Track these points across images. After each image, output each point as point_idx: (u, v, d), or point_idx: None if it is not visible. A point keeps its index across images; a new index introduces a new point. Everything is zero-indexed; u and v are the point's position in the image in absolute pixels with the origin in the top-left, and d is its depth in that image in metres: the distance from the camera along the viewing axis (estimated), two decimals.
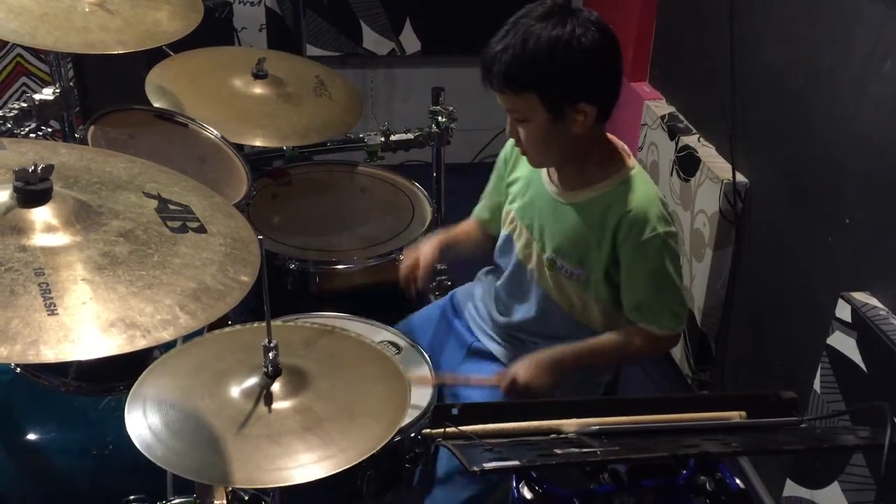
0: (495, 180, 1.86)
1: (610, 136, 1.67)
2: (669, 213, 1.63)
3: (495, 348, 1.81)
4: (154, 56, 2.09)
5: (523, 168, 1.75)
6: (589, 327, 1.71)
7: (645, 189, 1.61)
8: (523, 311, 1.76)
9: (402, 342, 1.76)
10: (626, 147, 1.68)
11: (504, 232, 1.79)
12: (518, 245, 1.75)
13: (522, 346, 1.77)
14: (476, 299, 1.89)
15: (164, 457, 1.18)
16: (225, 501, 1.41)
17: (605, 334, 1.70)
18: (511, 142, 1.77)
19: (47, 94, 1.95)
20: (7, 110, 1.88)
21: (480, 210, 1.91)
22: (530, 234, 1.71)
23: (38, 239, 1.05)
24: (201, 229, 1.19)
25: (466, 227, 1.94)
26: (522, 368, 1.64)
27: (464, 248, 1.92)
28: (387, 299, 1.99)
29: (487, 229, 1.90)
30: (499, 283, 1.81)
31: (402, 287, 1.84)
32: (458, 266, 1.94)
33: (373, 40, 3.62)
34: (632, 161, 1.65)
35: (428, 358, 1.71)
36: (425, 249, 1.83)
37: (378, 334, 1.76)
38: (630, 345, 1.68)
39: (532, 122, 1.55)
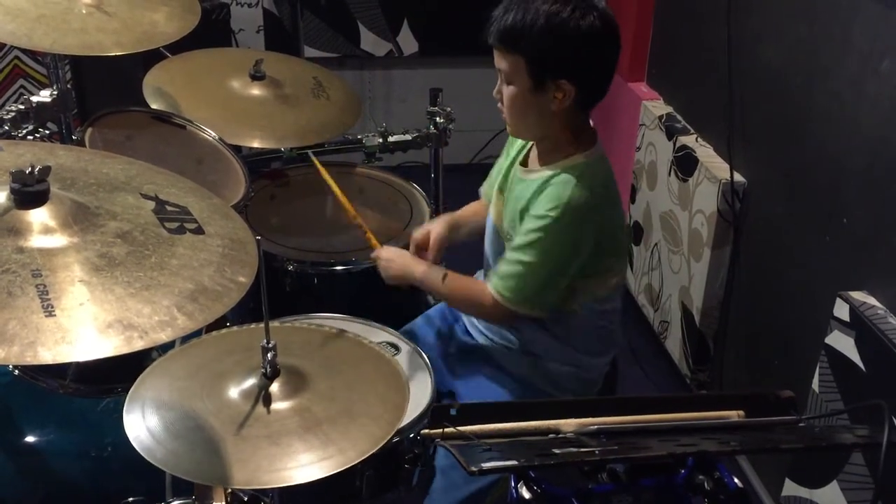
0: (499, 163, 1.87)
1: (593, 128, 1.69)
2: (594, 208, 1.60)
3: (488, 344, 1.82)
4: (151, 58, 2.09)
5: (513, 151, 1.79)
6: (551, 312, 1.71)
7: (583, 179, 1.59)
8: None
9: (399, 343, 1.76)
10: (594, 137, 1.68)
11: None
12: (492, 217, 1.80)
13: (512, 340, 1.78)
14: None
15: (162, 458, 1.18)
16: (224, 503, 1.41)
17: (467, 279, 1.78)
18: None
19: (45, 96, 1.95)
20: (4, 112, 1.88)
21: (487, 187, 1.92)
22: (499, 207, 1.77)
23: (36, 240, 1.05)
24: (199, 230, 1.19)
25: (474, 208, 1.97)
26: (394, 257, 1.80)
27: (472, 229, 1.95)
28: (385, 300, 1.99)
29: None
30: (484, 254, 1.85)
31: (385, 275, 1.87)
32: (458, 267, 1.94)
33: (370, 41, 3.62)
34: (592, 150, 1.64)
35: (426, 358, 1.71)
36: (436, 227, 1.88)
37: (377, 335, 1.76)
38: (468, 290, 1.75)
39: (515, 86, 1.60)
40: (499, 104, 1.66)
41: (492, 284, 1.67)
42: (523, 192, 1.66)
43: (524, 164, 1.74)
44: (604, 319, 1.76)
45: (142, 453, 1.19)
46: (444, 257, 1.93)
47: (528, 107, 1.62)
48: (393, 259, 1.83)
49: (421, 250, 1.87)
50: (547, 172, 1.64)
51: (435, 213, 2.22)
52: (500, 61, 1.61)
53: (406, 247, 2.02)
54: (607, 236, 1.66)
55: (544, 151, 1.69)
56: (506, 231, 1.72)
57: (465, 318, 1.90)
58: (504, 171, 1.78)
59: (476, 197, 1.97)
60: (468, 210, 1.97)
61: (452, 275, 1.76)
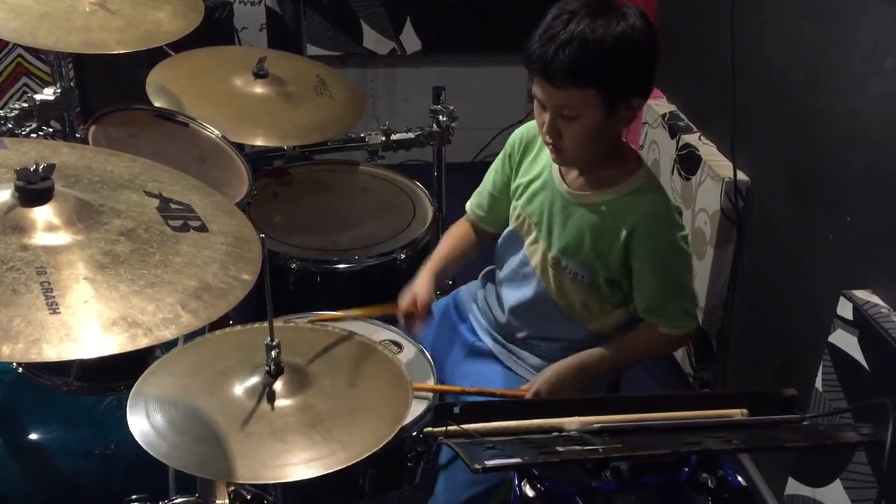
0: (500, 178, 1.82)
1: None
2: (679, 215, 1.64)
3: (496, 349, 1.81)
4: (155, 56, 2.09)
5: (536, 167, 1.73)
6: (587, 327, 1.71)
7: (657, 195, 1.62)
8: (522, 308, 1.76)
9: (402, 341, 1.76)
10: (633, 147, 1.68)
11: (510, 227, 1.78)
12: (526, 241, 1.73)
13: (524, 346, 1.78)
14: (479, 298, 1.89)
15: (166, 453, 1.19)
16: (227, 501, 1.41)
17: (621, 338, 1.70)
18: (516, 141, 1.76)
19: (48, 94, 1.95)
20: (8, 110, 1.88)
21: (477, 207, 1.87)
22: (538, 232, 1.70)
23: (40, 238, 1.05)
24: (203, 228, 1.19)
25: (454, 241, 1.87)
26: (546, 384, 1.64)
27: (457, 265, 1.87)
28: (388, 298, 1.99)
29: (483, 225, 1.86)
30: (501, 276, 1.81)
31: (405, 328, 1.76)
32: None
33: (373, 39, 3.63)
34: (642, 164, 1.65)
35: (430, 357, 1.71)
36: (420, 287, 1.74)
37: (379, 333, 1.76)
38: (646, 345, 1.70)
39: (583, 118, 1.51)
40: (549, 139, 1.56)
41: (666, 327, 1.65)
42: (584, 217, 1.62)
43: (565, 183, 1.66)
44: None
45: (145, 447, 1.19)
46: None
47: (597, 134, 1.54)
48: (553, 391, 1.65)
49: (410, 318, 1.72)
50: (615, 194, 1.61)
51: (438, 211, 2.22)
52: (562, 98, 1.50)
53: (405, 247, 2.03)
54: None
55: (591, 173, 1.63)
56: (552, 258, 1.67)
57: (470, 317, 1.89)
58: (542, 205, 1.69)
59: None
60: (448, 248, 1.85)
61: (611, 349, 1.68)
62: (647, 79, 1.55)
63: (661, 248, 1.59)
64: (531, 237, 1.72)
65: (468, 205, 1.90)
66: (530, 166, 1.75)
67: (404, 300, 1.73)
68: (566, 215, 1.65)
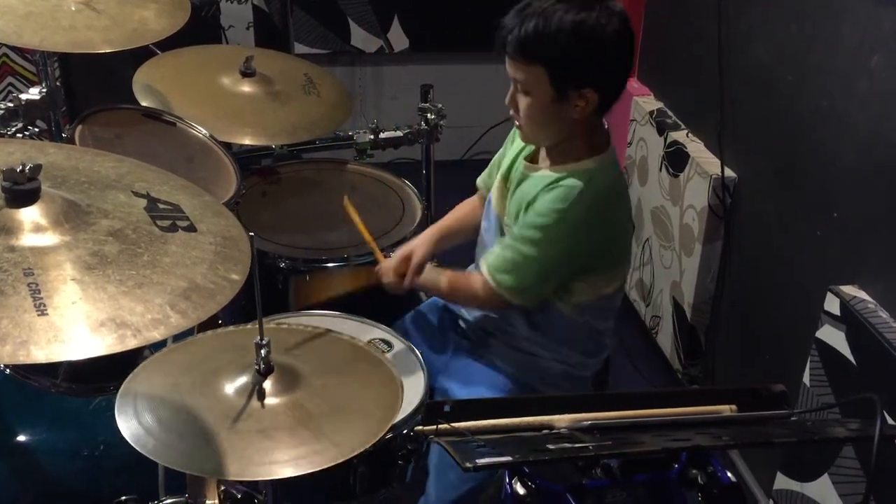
0: (502, 153, 1.84)
1: (606, 129, 1.66)
2: (598, 214, 1.59)
3: (482, 344, 1.82)
4: (141, 55, 2.08)
5: (515, 146, 1.77)
6: (546, 310, 1.71)
7: (591, 184, 1.57)
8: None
9: (392, 339, 1.76)
10: (607, 142, 1.66)
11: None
12: (494, 206, 1.77)
13: (505, 339, 1.78)
14: None
15: (154, 450, 1.18)
16: (217, 501, 1.40)
17: (464, 275, 1.77)
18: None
19: (34, 93, 1.94)
20: None
21: (484, 177, 1.91)
22: (500, 198, 1.75)
23: (27, 239, 1.05)
24: (191, 228, 1.19)
25: (460, 214, 1.94)
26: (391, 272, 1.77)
27: (460, 237, 1.92)
28: (377, 297, 1.99)
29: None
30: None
31: (387, 286, 1.81)
32: (450, 263, 1.94)
33: (361, 38, 3.62)
34: (605, 154, 1.62)
35: (419, 355, 1.71)
36: (418, 247, 1.80)
37: (369, 332, 1.76)
38: (468, 284, 1.73)
39: (534, 95, 1.55)
40: (511, 112, 1.63)
41: (486, 270, 1.65)
42: (528, 189, 1.64)
43: (530, 159, 1.70)
44: (599, 320, 1.75)
45: (132, 443, 1.18)
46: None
47: (547, 117, 1.57)
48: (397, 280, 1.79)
49: (398, 275, 1.80)
50: (554, 174, 1.61)
51: (427, 209, 2.22)
52: (517, 71, 1.55)
53: (394, 245, 2.03)
54: (610, 241, 1.65)
55: (557, 153, 1.65)
56: (507, 223, 1.70)
57: (456, 316, 1.89)
58: (511, 161, 1.74)
59: (467, 193, 1.96)
60: (455, 216, 1.93)
61: (452, 274, 1.76)
62: (603, 74, 1.54)
63: (544, 216, 1.57)
64: (498, 202, 1.75)
65: (478, 179, 1.93)
66: (511, 146, 1.79)
67: (399, 255, 1.81)
68: (518, 185, 1.68)
